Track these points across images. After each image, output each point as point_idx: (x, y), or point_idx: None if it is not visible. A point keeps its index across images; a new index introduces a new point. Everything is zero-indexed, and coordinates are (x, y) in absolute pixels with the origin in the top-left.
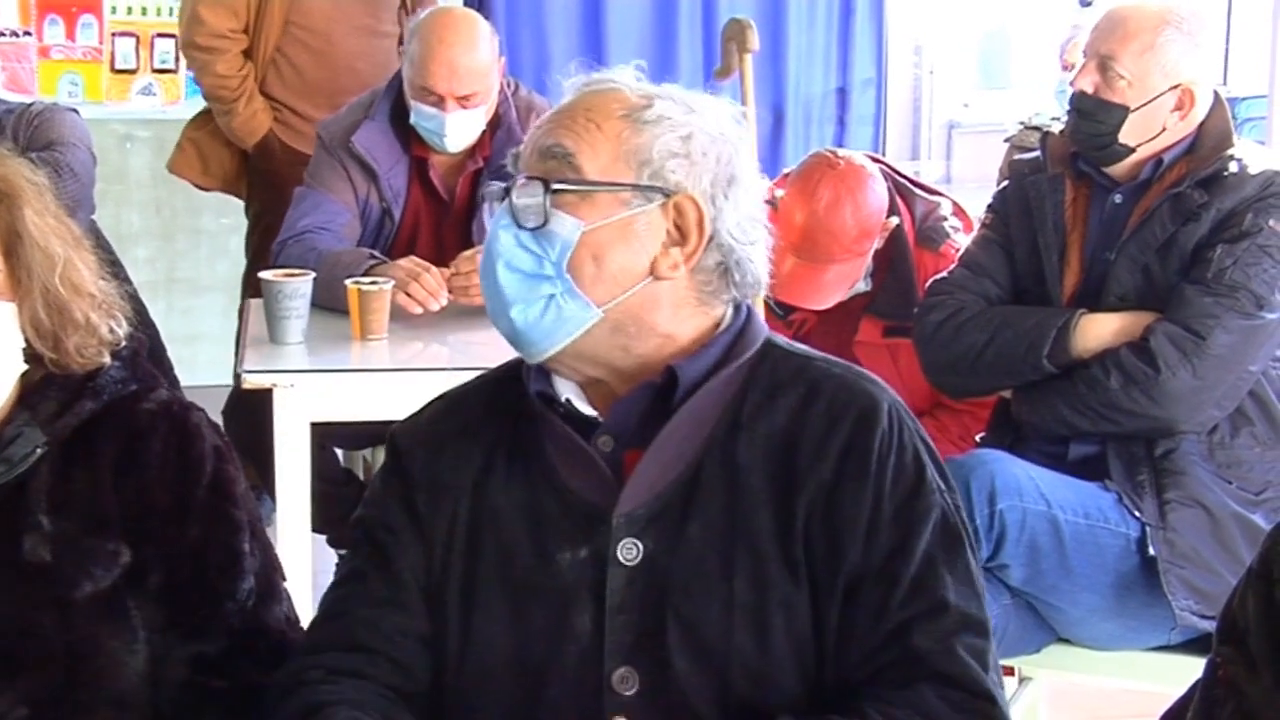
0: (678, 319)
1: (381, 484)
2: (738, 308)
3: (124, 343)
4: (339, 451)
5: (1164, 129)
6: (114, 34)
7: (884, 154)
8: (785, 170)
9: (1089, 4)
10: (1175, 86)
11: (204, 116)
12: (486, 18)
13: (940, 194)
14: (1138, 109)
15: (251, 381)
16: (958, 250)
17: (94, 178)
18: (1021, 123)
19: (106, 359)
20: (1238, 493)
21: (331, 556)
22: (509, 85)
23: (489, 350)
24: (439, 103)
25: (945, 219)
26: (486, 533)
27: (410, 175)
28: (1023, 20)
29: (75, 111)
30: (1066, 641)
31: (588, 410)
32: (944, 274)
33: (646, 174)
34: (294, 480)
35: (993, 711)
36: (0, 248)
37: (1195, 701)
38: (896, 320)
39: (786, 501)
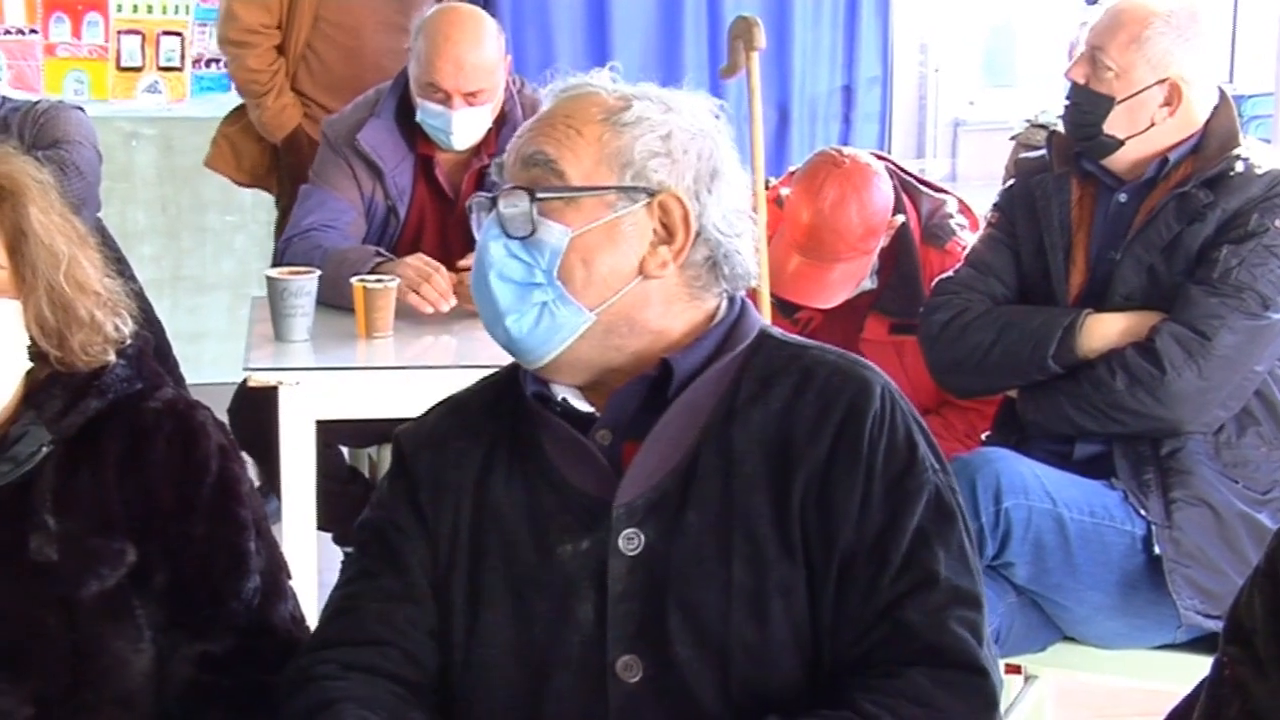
0: (669, 315)
1: (388, 486)
2: (732, 300)
3: (129, 341)
4: (344, 450)
5: (1153, 124)
6: (119, 31)
7: (889, 152)
8: (791, 168)
9: (1095, 1)
10: (1163, 80)
11: (237, 113)
12: (492, 15)
13: (946, 192)
14: (1123, 100)
15: (257, 379)
16: (963, 248)
17: (99, 175)
18: (1027, 120)
19: (111, 357)
20: (1244, 492)
21: (337, 554)
22: (514, 83)
23: (494, 348)
24: (445, 100)
25: (951, 217)
26: (489, 530)
27: (415, 173)
28: (1028, 18)
29: (80, 109)
30: (1072, 640)
31: (584, 407)
32: (949, 273)
33: (629, 175)
34: (299, 478)
35: (984, 685)
36: (5, 245)
37: (1201, 701)
38: (902, 318)
39: (782, 485)
